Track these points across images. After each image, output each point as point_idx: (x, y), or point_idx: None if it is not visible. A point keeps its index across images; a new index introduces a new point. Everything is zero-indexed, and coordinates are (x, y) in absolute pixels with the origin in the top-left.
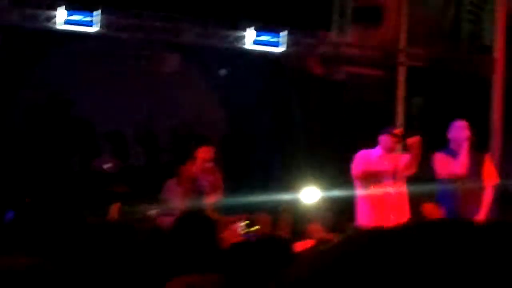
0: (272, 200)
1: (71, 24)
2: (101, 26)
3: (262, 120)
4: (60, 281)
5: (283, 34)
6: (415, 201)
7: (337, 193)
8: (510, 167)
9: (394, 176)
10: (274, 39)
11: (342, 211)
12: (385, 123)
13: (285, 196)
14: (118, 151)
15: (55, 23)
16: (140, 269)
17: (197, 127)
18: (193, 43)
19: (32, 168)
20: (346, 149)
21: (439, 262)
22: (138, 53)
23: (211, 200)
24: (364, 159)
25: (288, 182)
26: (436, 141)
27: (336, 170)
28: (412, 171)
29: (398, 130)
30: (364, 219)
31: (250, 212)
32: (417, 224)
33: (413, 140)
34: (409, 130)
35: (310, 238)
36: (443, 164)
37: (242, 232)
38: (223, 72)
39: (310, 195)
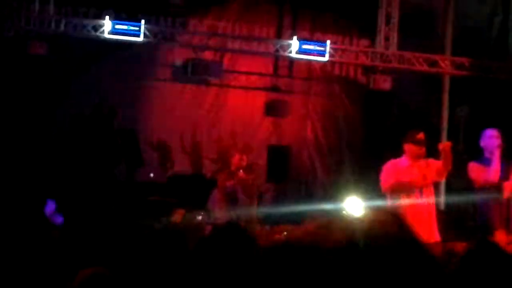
0: (316, 209)
1: (118, 33)
2: (146, 36)
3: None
4: None
5: (328, 43)
6: None
7: (379, 203)
8: None
9: (423, 183)
10: (319, 48)
11: None
12: (431, 132)
13: (329, 206)
14: (163, 160)
15: (102, 32)
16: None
17: (241, 137)
18: (238, 50)
19: (77, 178)
20: (390, 158)
21: None
22: (185, 63)
23: (249, 210)
24: (393, 170)
25: (332, 192)
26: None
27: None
28: (442, 177)
29: (419, 135)
30: None
31: (294, 222)
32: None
33: (444, 145)
34: (431, 136)
35: None
36: (477, 173)
37: None
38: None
39: (353, 205)
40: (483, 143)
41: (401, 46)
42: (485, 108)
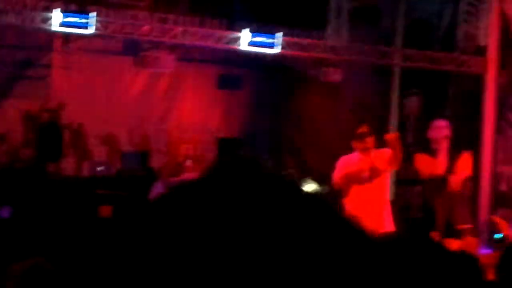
0: None
1: (67, 26)
2: (96, 28)
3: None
4: (61, 281)
5: (279, 36)
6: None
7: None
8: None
9: (373, 173)
10: (270, 40)
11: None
12: (380, 124)
13: None
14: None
15: (50, 24)
16: None
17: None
18: (188, 44)
19: (23, 173)
20: (342, 149)
21: None
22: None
23: None
24: (343, 165)
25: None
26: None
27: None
28: (395, 166)
29: (360, 130)
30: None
31: None
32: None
33: (390, 136)
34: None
35: None
36: (423, 164)
37: None
38: None
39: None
40: (430, 134)
41: (351, 38)
42: (435, 100)
